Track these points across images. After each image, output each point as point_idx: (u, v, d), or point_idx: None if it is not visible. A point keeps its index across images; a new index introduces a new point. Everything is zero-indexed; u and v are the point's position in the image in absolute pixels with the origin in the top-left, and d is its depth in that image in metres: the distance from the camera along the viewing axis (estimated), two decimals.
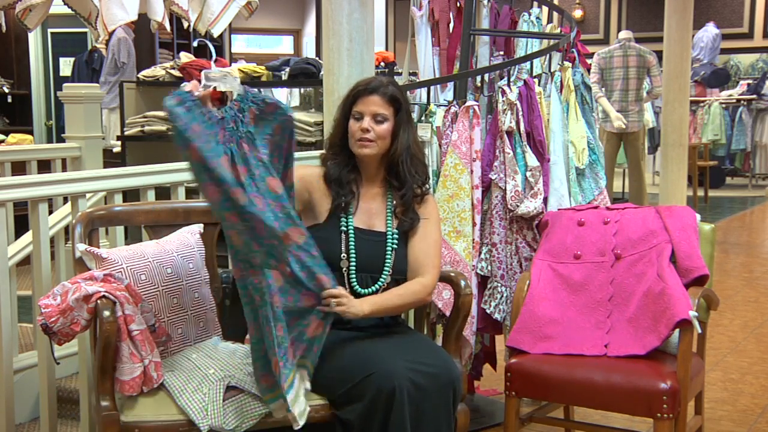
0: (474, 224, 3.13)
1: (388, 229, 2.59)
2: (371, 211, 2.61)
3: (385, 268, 2.54)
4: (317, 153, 2.94)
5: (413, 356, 2.36)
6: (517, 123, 3.16)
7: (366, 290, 2.52)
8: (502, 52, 3.88)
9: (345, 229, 2.55)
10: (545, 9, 4.32)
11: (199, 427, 2.28)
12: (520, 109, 3.16)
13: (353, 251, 2.53)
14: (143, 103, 5.55)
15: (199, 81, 2.42)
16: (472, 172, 3.13)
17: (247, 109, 2.41)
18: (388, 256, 2.55)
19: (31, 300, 3.33)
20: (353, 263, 2.52)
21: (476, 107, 3.16)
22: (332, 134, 2.64)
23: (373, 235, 2.57)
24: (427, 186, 2.65)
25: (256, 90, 2.46)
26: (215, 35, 4.39)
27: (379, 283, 2.53)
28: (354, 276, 2.52)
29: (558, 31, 3.86)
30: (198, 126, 2.31)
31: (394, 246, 2.57)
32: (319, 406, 2.39)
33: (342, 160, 2.60)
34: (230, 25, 4.98)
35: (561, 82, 3.33)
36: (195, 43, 3.01)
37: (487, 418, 3.50)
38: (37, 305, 2.39)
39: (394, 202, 2.62)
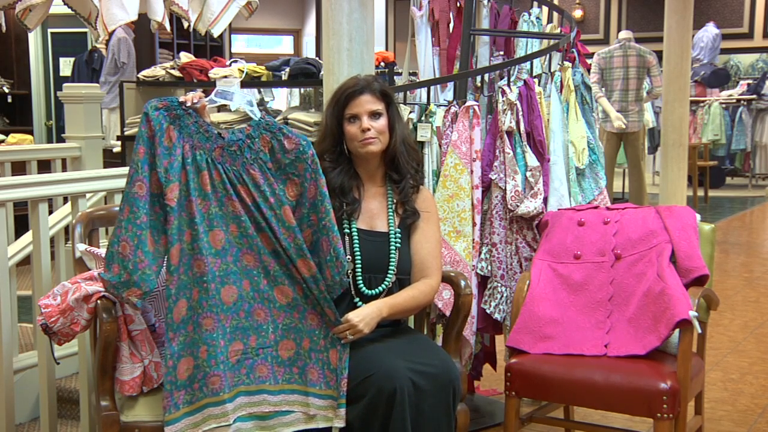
0: (474, 224, 3.13)
1: (391, 228, 2.59)
2: (372, 212, 2.61)
3: (390, 268, 2.55)
4: None
5: (413, 357, 2.37)
6: (517, 123, 3.16)
7: (372, 291, 2.52)
8: (502, 52, 3.88)
9: (348, 231, 2.55)
10: (545, 9, 4.32)
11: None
12: (520, 109, 3.16)
13: (358, 253, 2.53)
14: (143, 103, 5.53)
15: (201, 86, 2.44)
16: (472, 172, 3.12)
17: (258, 136, 2.40)
18: (392, 256, 2.56)
19: (31, 300, 3.33)
20: (358, 265, 2.52)
21: (476, 107, 3.16)
22: (327, 141, 2.60)
23: (376, 236, 2.58)
24: (420, 174, 2.67)
25: (274, 120, 2.45)
26: (215, 35, 4.39)
27: (385, 283, 2.54)
28: (360, 277, 2.52)
29: (558, 31, 3.86)
30: (175, 135, 2.31)
31: (398, 245, 2.57)
32: None
33: (342, 168, 2.59)
34: (230, 25, 4.97)
35: (561, 82, 3.33)
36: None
37: (487, 418, 3.50)
38: (37, 305, 2.39)
39: (395, 199, 2.62)
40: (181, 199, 2.31)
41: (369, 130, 2.54)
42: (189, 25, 4.13)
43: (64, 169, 4.76)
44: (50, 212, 3.40)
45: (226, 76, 5.05)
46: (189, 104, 2.35)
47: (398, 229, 2.60)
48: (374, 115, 2.57)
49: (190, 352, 2.27)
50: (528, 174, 3.15)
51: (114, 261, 2.25)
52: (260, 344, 2.35)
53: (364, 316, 2.39)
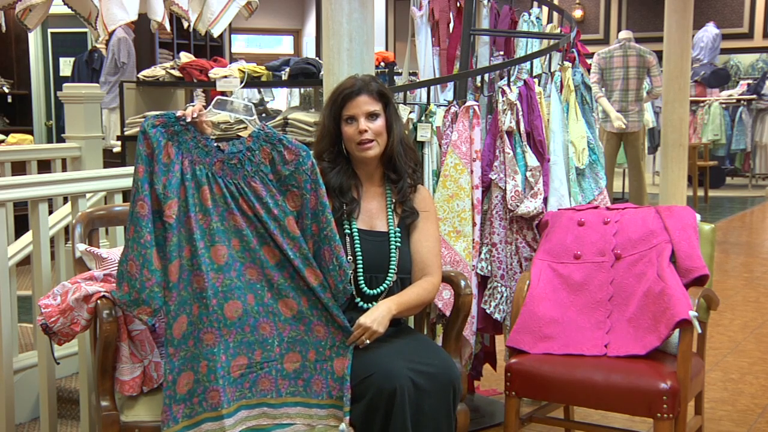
0: (474, 224, 3.13)
1: (390, 228, 2.59)
2: (372, 212, 2.61)
3: (391, 268, 2.55)
4: None
5: (413, 356, 2.37)
6: (517, 123, 3.16)
7: (373, 291, 2.53)
8: (502, 52, 3.88)
9: (349, 232, 2.56)
10: (545, 9, 4.32)
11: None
12: (520, 109, 3.16)
13: (359, 253, 2.53)
14: (143, 103, 5.55)
15: (201, 86, 2.42)
16: (472, 172, 3.12)
17: (258, 148, 2.39)
18: (393, 256, 2.56)
19: (31, 300, 3.33)
20: (360, 265, 2.53)
21: (476, 107, 3.16)
22: (324, 142, 2.60)
23: (376, 236, 2.58)
24: (418, 174, 2.67)
25: (273, 130, 2.44)
26: (215, 35, 4.39)
27: (386, 283, 2.54)
28: (361, 277, 2.52)
29: (558, 31, 3.86)
30: (173, 151, 2.29)
31: (398, 245, 2.57)
32: None
33: (340, 168, 2.59)
34: (230, 25, 4.98)
35: (561, 82, 3.33)
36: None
37: (487, 418, 3.50)
38: (37, 305, 2.39)
39: (393, 199, 2.62)
40: (180, 216, 2.29)
41: (366, 131, 2.54)
42: (189, 25, 4.14)
43: (64, 169, 4.76)
44: (50, 212, 3.40)
45: (226, 76, 5.06)
46: (189, 119, 2.33)
47: (398, 229, 2.60)
48: (371, 116, 2.56)
49: (190, 367, 2.25)
50: (528, 174, 3.15)
51: (123, 279, 2.27)
52: (265, 358, 2.32)
53: (375, 317, 2.39)
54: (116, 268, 2.48)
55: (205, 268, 2.28)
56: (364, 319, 2.38)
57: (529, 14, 3.88)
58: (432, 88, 3.50)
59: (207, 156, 2.34)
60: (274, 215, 2.36)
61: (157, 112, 2.37)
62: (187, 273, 2.28)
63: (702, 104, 11.70)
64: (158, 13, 3.94)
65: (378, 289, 2.53)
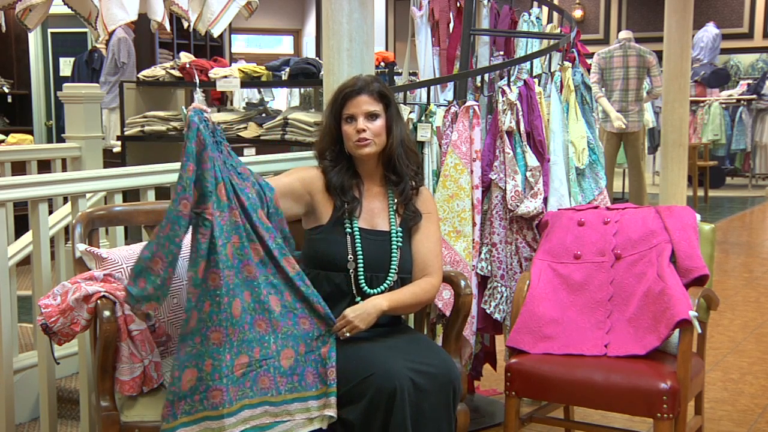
0: (474, 224, 3.13)
1: (392, 227, 2.59)
2: (373, 211, 2.61)
3: (392, 267, 2.55)
4: None
5: (413, 356, 2.37)
6: (517, 123, 3.16)
7: (374, 290, 2.52)
8: (502, 52, 3.88)
9: (350, 230, 2.55)
10: (545, 9, 4.32)
11: None
12: (520, 109, 3.16)
13: (360, 252, 2.53)
14: (143, 103, 5.56)
15: (201, 86, 2.41)
16: (472, 172, 3.13)
17: (221, 142, 2.39)
18: (394, 255, 2.56)
19: (31, 300, 3.33)
20: (360, 264, 2.52)
21: (476, 107, 3.16)
22: (325, 141, 2.61)
23: (377, 235, 2.58)
24: (420, 176, 2.67)
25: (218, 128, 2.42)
26: (215, 35, 4.39)
27: (387, 282, 2.54)
28: (362, 276, 2.52)
29: (558, 31, 3.86)
30: (205, 143, 2.29)
31: (399, 244, 2.57)
32: None
33: (342, 166, 2.59)
34: (230, 25, 4.98)
35: (561, 82, 3.33)
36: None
37: (487, 418, 3.50)
38: (37, 305, 2.39)
39: (395, 199, 2.62)
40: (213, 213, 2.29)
41: (364, 131, 2.54)
42: (189, 25, 4.14)
43: (64, 169, 4.77)
44: (50, 212, 3.40)
45: (226, 76, 5.06)
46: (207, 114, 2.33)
47: (399, 228, 2.60)
48: (371, 116, 2.56)
49: (194, 364, 2.24)
50: (528, 174, 3.15)
51: (142, 275, 2.22)
52: (264, 355, 2.31)
53: (359, 312, 2.41)
54: (119, 266, 2.50)
55: (221, 265, 2.25)
56: (349, 312, 2.40)
57: (529, 14, 3.88)
58: (432, 88, 3.50)
59: (215, 151, 2.33)
60: (253, 207, 2.36)
61: (196, 105, 2.31)
62: (206, 271, 2.28)
63: (702, 104, 11.70)
64: (158, 13, 3.95)
65: (379, 289, 2.53)
